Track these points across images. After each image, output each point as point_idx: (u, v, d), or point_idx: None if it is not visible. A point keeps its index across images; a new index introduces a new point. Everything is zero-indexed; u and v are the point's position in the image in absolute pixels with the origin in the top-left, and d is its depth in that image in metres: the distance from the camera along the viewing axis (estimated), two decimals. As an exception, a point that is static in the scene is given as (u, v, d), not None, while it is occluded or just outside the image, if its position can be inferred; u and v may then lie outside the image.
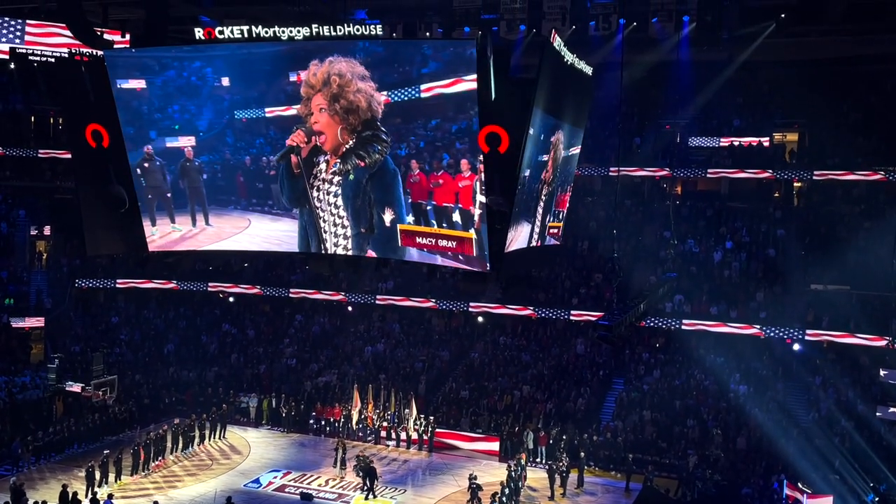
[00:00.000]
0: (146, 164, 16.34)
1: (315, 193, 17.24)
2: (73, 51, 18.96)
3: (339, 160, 16.79)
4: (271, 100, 16.25)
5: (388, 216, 17.14)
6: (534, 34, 26.91)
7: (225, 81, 16.46)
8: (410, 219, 16.97)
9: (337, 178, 16.91)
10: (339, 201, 17.14)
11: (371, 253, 17.88)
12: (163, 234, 18.08)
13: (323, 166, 16.92)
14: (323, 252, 18.09)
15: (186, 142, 16.73)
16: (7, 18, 30.22)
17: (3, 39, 30.82)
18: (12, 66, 33.81)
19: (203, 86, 16.19)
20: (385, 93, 16.16)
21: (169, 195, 16.89)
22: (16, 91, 38.89)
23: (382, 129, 16.48)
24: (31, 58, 30.59)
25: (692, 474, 26.57)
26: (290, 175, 17.17)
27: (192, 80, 15.95)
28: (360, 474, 26.05)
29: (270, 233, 17.93)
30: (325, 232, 17.63)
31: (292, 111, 16.06)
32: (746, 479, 26.21)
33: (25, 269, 37.95)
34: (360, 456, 27.15)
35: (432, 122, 16.19)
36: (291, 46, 16.01)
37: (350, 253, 17.96)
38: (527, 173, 16.96)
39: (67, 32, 26.73)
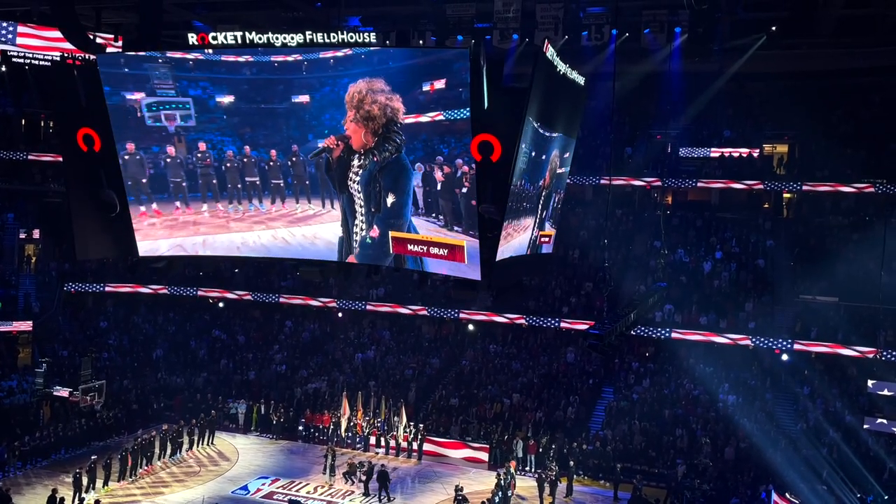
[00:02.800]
0: (293, 159, 18.99)
1: (351, 184, 18.68)
2: (66, 55, 18.95)
3: (363, 157, 18.14)
4: (408, 108, 17.36)
5: (390, 199, 17.98)
6: (526, 44, 27.09)
7: None
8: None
9: (362, 172, 18.36)
10: (361, 189, 18.54)
11: (375, 230, 18.65)
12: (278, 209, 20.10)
13: (356, 162, 18.29)
14: (353, 246, 19.18)
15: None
16: (-1, 21, 30.14)
17: (-5, 42, 30.72)
18: (3, 68, 33.79)
19: None
20: None
21: (307, 182, 19.23)
22: (6, 94, 38.76)
23: (398, 131, 17.29)
24: (20, 60, 30.54)
25: (681, 484, 26.64)
26: (328, 170, 18.79)
27: (340, 94, 17.54)
28: (364, 479, 26.22)
29: None
30: (356, 224, 18.98)
31: (424, 118, 17.15)
32: (735, 489, 26.26)
33: (14, 272, 37.74)
34: (351, 463, 27.17)
35: None
36: (427, 59, 16.98)
37: (364, 234, 19.02)
38: (540, 182, 17.39)
39: (60, 36, 26.66)
